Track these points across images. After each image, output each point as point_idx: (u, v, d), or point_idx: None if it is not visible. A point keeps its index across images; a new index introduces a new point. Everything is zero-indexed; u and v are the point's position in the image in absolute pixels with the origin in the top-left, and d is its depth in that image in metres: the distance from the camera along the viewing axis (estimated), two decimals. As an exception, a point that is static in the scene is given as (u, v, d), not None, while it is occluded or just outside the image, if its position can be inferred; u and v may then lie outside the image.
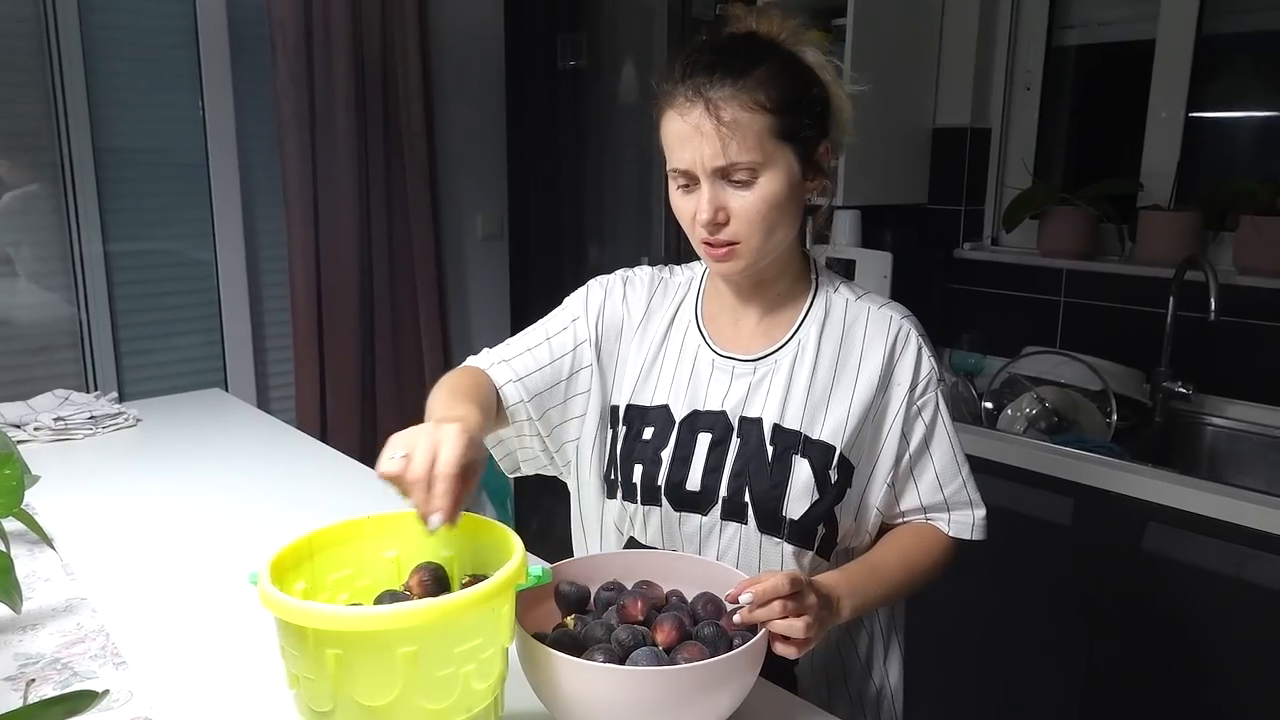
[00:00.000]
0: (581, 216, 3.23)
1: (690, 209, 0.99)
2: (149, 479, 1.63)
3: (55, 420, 1.84)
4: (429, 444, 0.80)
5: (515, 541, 0.83)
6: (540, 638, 0.86)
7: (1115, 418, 2.02)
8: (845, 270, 2.46)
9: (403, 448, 0.81)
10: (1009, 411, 2.11)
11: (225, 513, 1.49)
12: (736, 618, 0.88)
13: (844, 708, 1.11)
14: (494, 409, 1.04)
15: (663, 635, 0.87)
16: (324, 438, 2.88)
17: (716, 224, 0.98)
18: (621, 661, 0.84)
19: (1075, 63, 2.51)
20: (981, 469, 1.93)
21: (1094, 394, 2.07)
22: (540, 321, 1.16)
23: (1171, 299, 2.07)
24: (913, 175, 2.58)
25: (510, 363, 1.09)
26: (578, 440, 1.13)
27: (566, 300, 1.17)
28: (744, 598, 0.88)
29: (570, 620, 0.94)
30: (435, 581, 0.88)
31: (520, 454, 1.16)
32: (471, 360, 1.12)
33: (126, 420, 1.93)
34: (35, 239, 2.54)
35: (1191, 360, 2.11)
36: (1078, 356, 2.12)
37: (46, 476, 1.60)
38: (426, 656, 0.72)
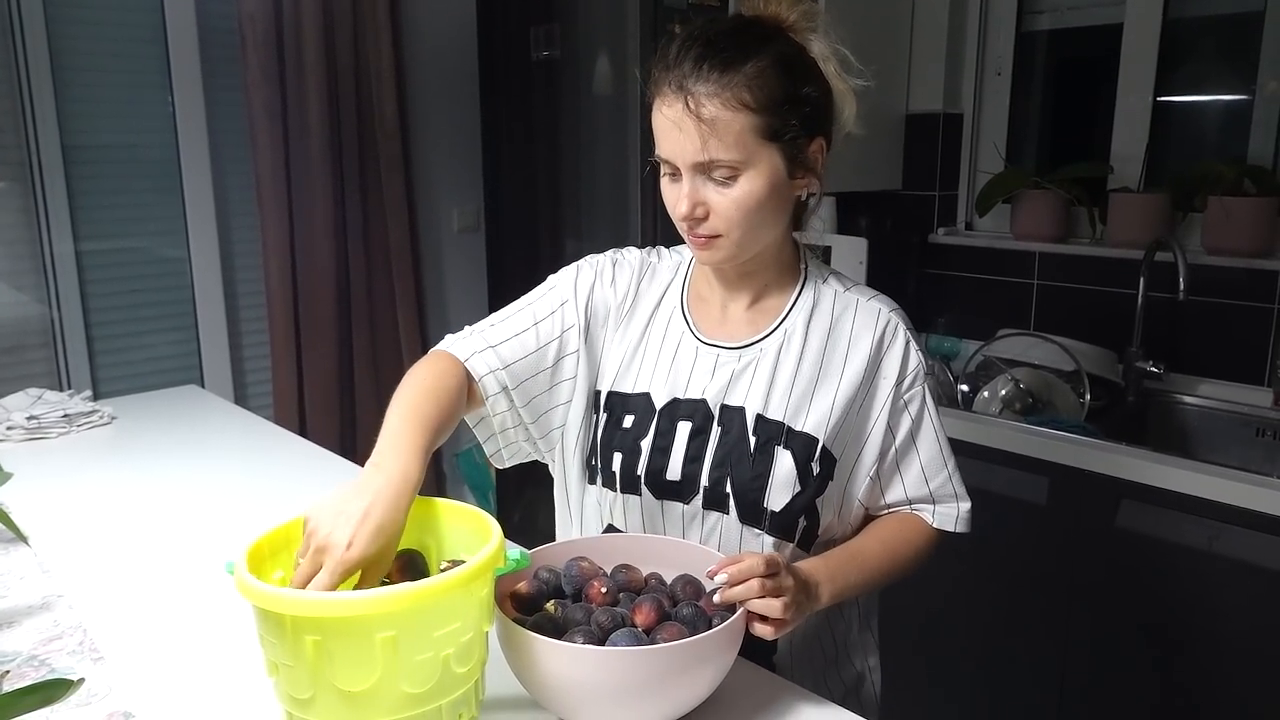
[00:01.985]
0: (558, 208, 3.22)
1: (674, 198, 0.99)
2: (125, 476, 1.62)
3: (29, 419, 1.82)
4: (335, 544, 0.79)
5: (493, 526, 0.83)
6: (520, 622, 0.87)
7: (1089, 398, 2.05)
8: (822, 257, 2.48)
9: (316, 532, 0.80)
10: (984, 394, 2.13)
11: (203, 508, 1.48)
12: (716, 597, 0.89)
13: (823, 693, 1.12)
14: (458, 412, 1.01)
15: (642, 617, 0.88)
16: (303, 433, 2.86)
17: (695, 218, 0.97)
18: (601, 643, 0.85)
19: (1045, 47, 2.53)
20: (958, 451, 1.95)
21: (1068, 374, 2.10)
22: (526, 301, 1.12)
23: (1142, 280, 2.09)
24: (887, 161, 2.60)
25: (496, 349, 1.06)
26: (563, 426, 1.12)
27: (554, 278, 1.14)
28: (719, 577, 0.88)
29: (551, 605, 0.95)
30: (413, 567, 0.88)
31: (506, 449, 1.14)
32: (450, 342, 1.08)
33: (101, 418, 1.91)
34: (3, 237, 2.51)
35: (1162, 340, 2.14)
36: (1050, 338, 2.14)
37: (21, 475, 1.59)
38: (406, 641, 0.73)
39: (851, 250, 2.42)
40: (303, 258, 2.82)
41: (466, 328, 1.11)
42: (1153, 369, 2.10)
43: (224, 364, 2.88)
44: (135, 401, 2.11)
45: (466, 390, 1.04)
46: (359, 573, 0.81)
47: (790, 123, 0.95)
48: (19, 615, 1.13)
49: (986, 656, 1.99)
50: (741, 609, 0.88)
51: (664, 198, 1.01)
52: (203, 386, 2.82)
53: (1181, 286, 1.91)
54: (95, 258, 2.64)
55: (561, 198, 3.04)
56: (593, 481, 1.11)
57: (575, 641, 0.83)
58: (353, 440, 2.98)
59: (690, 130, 0.93)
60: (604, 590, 0.92)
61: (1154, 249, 2.06)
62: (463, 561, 0.81)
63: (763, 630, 0.89)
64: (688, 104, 0.93)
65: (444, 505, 0.91)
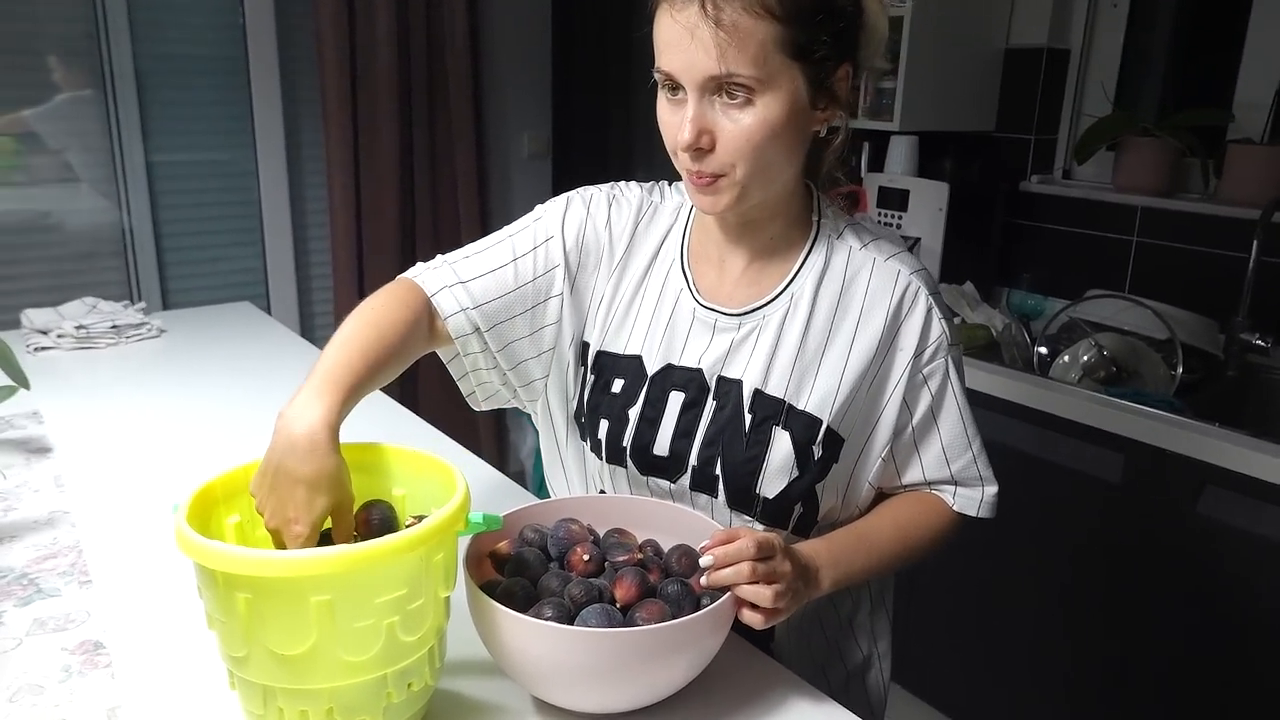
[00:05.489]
0: (629, 135, 3.11)
1: (675, 124, 0.85)
2: (163, 393, 1.61)
3: (77, 328, 1.83)
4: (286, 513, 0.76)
5: (459, 485, 0.77)
6: (491, 587, 0.81)
7: (1181, 370, 1.87)
8: (899, 201, 2.32)
9: (263, 511, 0.77)
10: (1064, 359, 1.96)
11: (233, 433, 1.46)
12: (703, 580, 0.81)
13: (823, 676, 1.03)
14: (409, 349, 0.92)
15: (621, 591, 0.80)
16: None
17: (699, 149, 0.84)
18: (571, 619, 0.78)
19: (1170, -24, 2.27)
20: (1026, 419, 1.83)
21: (1159, 343, 1.91)
22: (507, 231, 1.02)
23: (1256, 242, 1.88)
24: (979, 100, 2.39)
25: (467, 286, 0.96)
26: (545, 378, 1.04)
27: (541, 208, 1.03)
28: (704, 560, 0.80)
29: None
30: (382, 522, 0.83)
31: (480, 389, 1.05)
32: (418, 271, 0.99)
33: (150, 331, 1.92)
34: (83, 144, 2.54)
35: (1273, 311, 1.93)
36: (1144, 302, 1.96)
37: (64, 384, 1.61)
38: (343, 607, 0.67)
39: (931, 195, 2.26)
40: (367, 177, 2.79)
41: (438, 256, 1.01)
42: (1258, 342, 1.90)
43: (289, 282, 2.89)
44: (187, 315, 2.12)
45: (428, 326, 0.95)
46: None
47: (820, 38, 0.82)
48: (23, 530, 1.13)
49: (1034, 642, 1.87)
50: (730, 593, 0.79)
51: (661, 124, 0.87)
52: (268, 304, 2.85)
53: (1300, 253, 1.71)
54: (166, 169, 2.66)
55: (633, 124, 2.92)
56: (583, 439, 1.02)
57: (543, 615, 0.77)
58: (412, 370, 2.96)
59: (705, 39, 0.79)
60: (586, 558, 0.85)
61: (1273, 209, 1.85)
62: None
63: (751, 618, 0.80)
64: (704, 7, 0.79)
65: (417, 457, 0.85)
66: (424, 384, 2.96)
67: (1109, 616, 1.75)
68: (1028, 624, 1.88)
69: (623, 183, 1.05)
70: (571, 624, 0.77)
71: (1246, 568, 1.56)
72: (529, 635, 0.74)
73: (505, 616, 0.74)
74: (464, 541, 0.81)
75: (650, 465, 0.96)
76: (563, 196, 1.03)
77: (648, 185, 1.05)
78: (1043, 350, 2.06)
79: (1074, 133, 2.36)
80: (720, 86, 0.82)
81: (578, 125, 3.24)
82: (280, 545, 0.76)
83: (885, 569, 0.95)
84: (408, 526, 0.78)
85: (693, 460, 0.94)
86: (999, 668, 1.95)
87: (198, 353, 1.84)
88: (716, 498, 0.94)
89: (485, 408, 1.07)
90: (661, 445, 0.95)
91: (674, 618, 0.78)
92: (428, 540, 0.69)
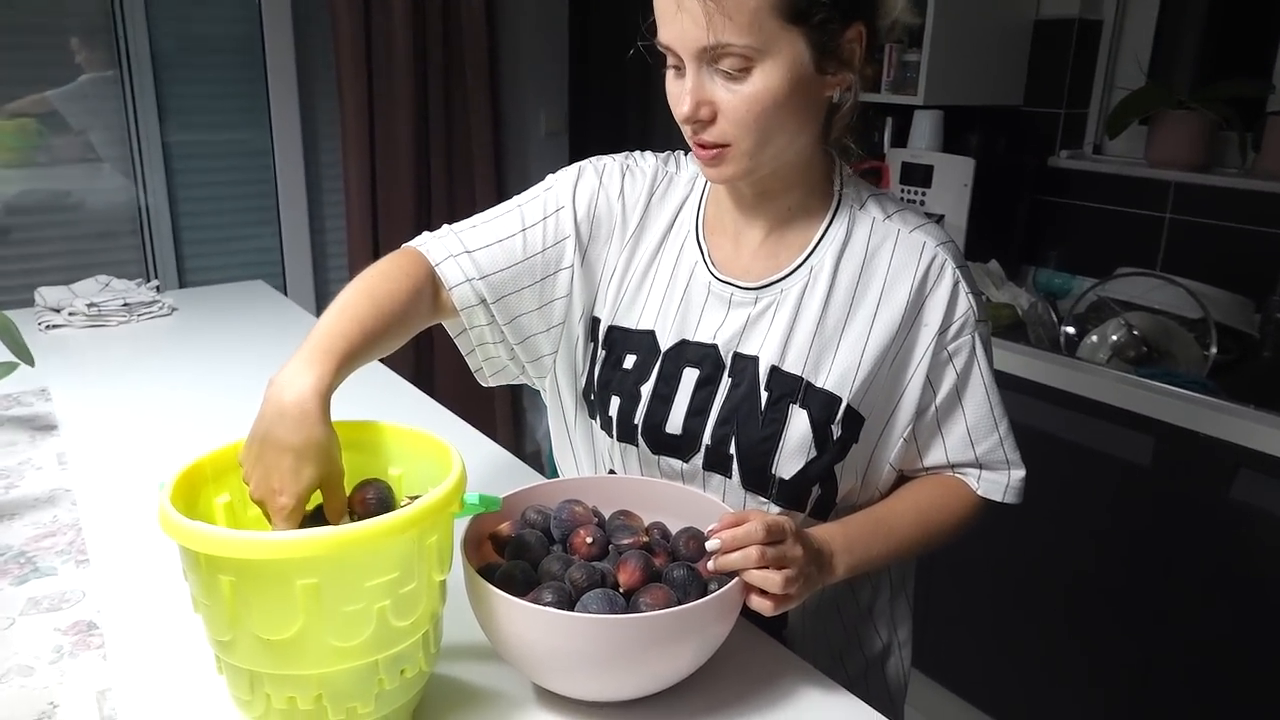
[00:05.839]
0: (647, 113, 3.06)
1: (676, 95, 0.82)
2: (172, 372, 1.60)
3: (89, 306, 1.82)
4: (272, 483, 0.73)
5: (455, 464, 0.73)
6: (490, 570, 0.78)
7: (1214, 350, 1.81)
8: (922, 177, 2.26)
9: (249, 482, 0.74)
10: (1092, 338, 1.91)
11: (240, 414, 1.41)
12: (710, 564, 0.77)
13: (840, 664, 1.00)
14: (410, 319, 0.88)
15: (625, 575, 0.77)
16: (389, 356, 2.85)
17: (699, 120, 0.80)
18: (572, 604, 0.74)
19: (1208, -58, 2.19)
20: (1052, 400, 1.77)
21: (1192, 323, 1.85)
22: (516, 201, 0.98)
23: (1295, 219, 1.81)
24: (1008, 73, 2.32)
25: (473, 255, 0.93)
26: (555, 354, 1.00)
27: (552, 178, 0.99)
28: (711, 544, 0.77)
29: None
30: (378, 502, 0.79)
31: (488, 364, 1.01)
32: (423, 240, 0.95)
33: (162, 309, 1.91)
34: (102, 124, 2.53)
35: (1312, 290, 1.86)
36: (1177, 280, 1.89)
37: (73, 362, 1.59)
38: (330, 590, 0.64)
39: (957, 171, 2.20)
40: (383, 157, 2.76)
41: (445, 226, 0.97)
42: (1296, 322, 1.83)
43: (304, 261, 2.87)
44: (200, 294, 2.11)
45: (432, 297, 0.92)
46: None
47: (819, 0, 0.77)
48: (23, 507, 1.11)
49: (1058, 633, 1.82)
50: (738, 578, 0.76)
51: (668, 96, 0.84)
52: (284, 283, 2.83)
53: (1342, 229, 1.64)
54: (182, 148, 2.65)
55: (652, 102, 2.87)
56: (593, 417, 0.99)
57: (543, 600, 0.73)
58: (429, 348, 2.95)
59: (693, 8, 0.75)
60: (590, 541, 0.81)
61: (1314, 183, 1.78)
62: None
63: (760, 604, 0.77)
64: None
65: (412, 434, 0.82)
66: (440, 361, 2.94)
67: (1136, 604, 1.70)
68: (1051, 611, 1.83)
69: (637, 152, 1.01)
70: (572, 609, 0.74)
71: (1282, 555, 1.50)
72: (527, 621, 0.71)
73: (502, 601, 0.71)
74: (463, 523, 0.78)
75: (662, 444, 0.93)
76: (575, 166, 0.99)
77: (663, 155, 1.01)
78: (1070, 330, 2.00)
79: (1105, 106, 2.28)
80: (716, 57, 0.78)
81: (594, 103, 3.20)
82: (267, 520, 0.74)
83: (904, 555, 0.91)
84: (403, 507, 0.75)
85: (706, 439, 0.90)
86: (1021, 654, 1.90)
87: (209, 332, 1.83)
88: (730, 478, 0.90)
89: (493, 383, 1.04)
90: (674, 423, 0.91)
91: (679, 603, 0.75)
92: (419, 522, 0.66)
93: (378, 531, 0.64)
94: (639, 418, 0.93)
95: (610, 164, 0.99)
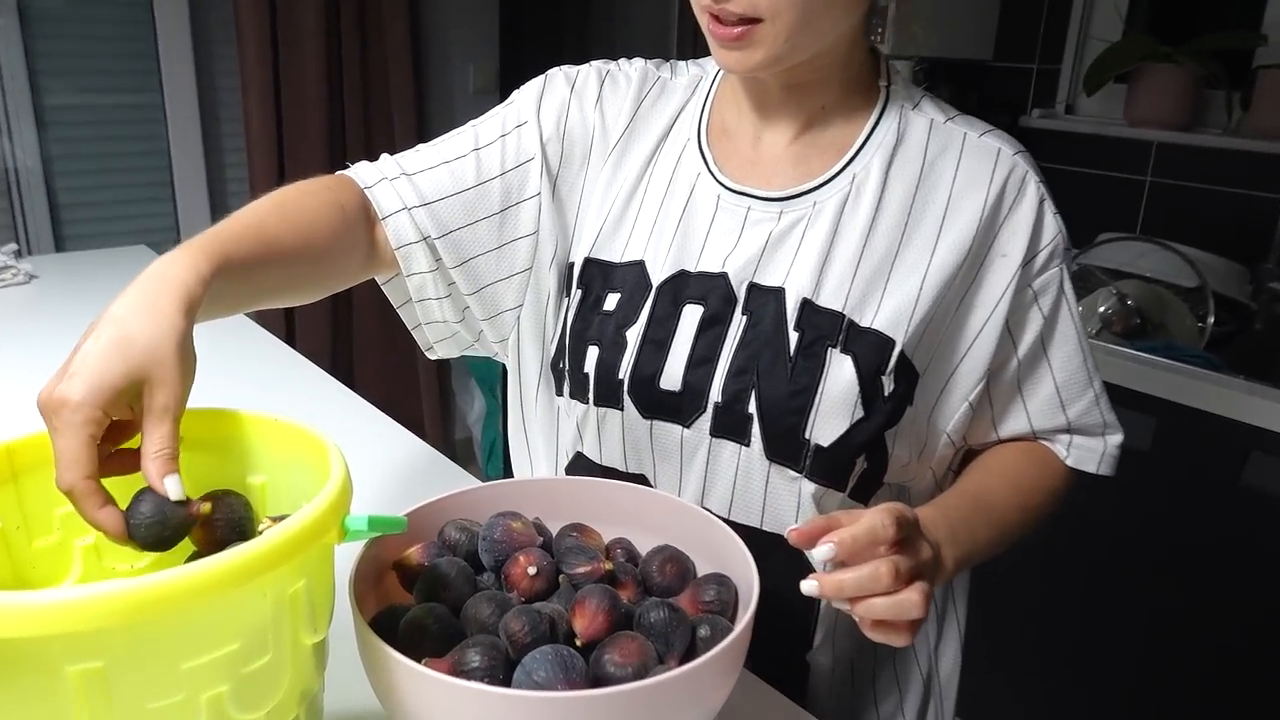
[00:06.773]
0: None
1: None
2: (19, 347, 1.34)
3: (-73, 274, 1.53)
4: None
5: (335, 470, 0.50)
6: (390, 620, 0.55)
7: (1211, 321, 1.66)
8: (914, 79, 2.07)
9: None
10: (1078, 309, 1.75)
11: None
12: (810, 588, 0.54)
13: (872, 709, 0.80)
14: (324, 241, 0.67)
15: (583, 622, 0.55)
16: (288, 318, 2.58)
17: None
18: (510, 667, 0.52)
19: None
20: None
21: (1187, 291, 1.70)
22: (471, 123, 0.77)
23: (1292, 179, 1.68)
24: (976, 25, 2.15)
25: (413, 179, 0.72)
26: (518, 309, 0.78)
27: (515, 94, 0.79)
28: (822, 550, 0.53)
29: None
30: (229, 525, 0.56)
31: (430, 328, 0.80)
32: (358, 167, 0.75)
33: (16, 276, 1.62)
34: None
35: (1308, 256, 1.74)
36: (1169, 244, 1.74)
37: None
38: (125, 678, 0.41)
39: (927, 128, 2.02)
40: (290, 112, 2.47)
41: (384, 156, 0.76)
42: (1292, 291, 1.70)
43: (203, 224, 2.54)
44: (72, 260, 1.84)
45: (365, 234, 0.72)
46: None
47: None
48: None
49: (1071, 631, 1.66)
50: (746, 620, 0.54)
51: None
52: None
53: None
54: (59, 113, 2.34)
55: (589, 59, 2.65)
56: (560, 392, 0.77)
57: (467, 667, 0.51)
58: (348, 324, 2.68)
59: None
60: (533, 571, 0.59)
61: (1312, 140, 1.64)
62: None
63: (893, 639, 0.54)
64: None
65: (287, 430, 0.58)
66: (359, 338, 2.67)
67: (1139, 600, 1.55)
68: (1053, 611, 1.68)
69: (623, 58, 0.80)
70: (509, 678, 0.51)
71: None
72: (444, 699, 0.49)
73: (408, 671, 0.49)
74: (354, 548, 0.56)
75: (656, 404, 0.71)
76: (544, 75, 0.79)
77: (654, 61, 0.80)
78: (1052, 301, 1.84)
79: (1080, 62, 2.13)
80: None
81: (528, 58, 2.94)
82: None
83: (1004, 544, 0.70)
84: (261, 532, 0.51)
85: (714, 395, 0.69)
86: (1026, 660, 1.75)
87: (70, 304, 1.56)
88: (749, 445, 0.69)
89: (440, 354, 0.83)
90: (671, 376, 0.70)
91: (660, 660, 0.54)
92: (273, 564, 0.43)
93: (199, 583, 0.40)
94: (624, 370, 0.71)
95: (586, 70, 0.78)
